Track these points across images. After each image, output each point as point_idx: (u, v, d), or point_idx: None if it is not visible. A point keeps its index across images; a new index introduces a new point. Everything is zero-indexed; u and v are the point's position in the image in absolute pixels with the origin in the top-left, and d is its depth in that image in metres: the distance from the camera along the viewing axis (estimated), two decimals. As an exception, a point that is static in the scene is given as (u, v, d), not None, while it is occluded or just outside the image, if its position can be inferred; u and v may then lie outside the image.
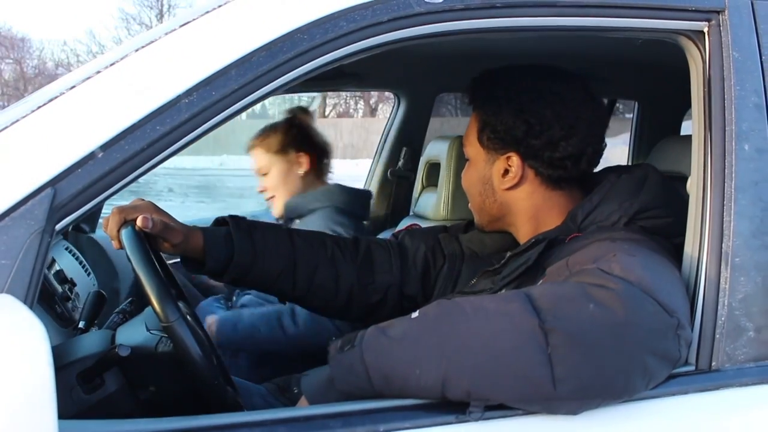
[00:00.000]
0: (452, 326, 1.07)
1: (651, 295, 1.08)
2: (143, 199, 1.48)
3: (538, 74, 1.43)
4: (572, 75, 1.44)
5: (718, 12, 1.23)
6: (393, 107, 3.16)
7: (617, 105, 3.24)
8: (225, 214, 1.57)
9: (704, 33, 1.24)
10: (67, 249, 2.63)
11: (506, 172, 1.43)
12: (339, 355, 1.12)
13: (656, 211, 1.33)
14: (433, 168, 2.82)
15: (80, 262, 2.66)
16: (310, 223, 2.21)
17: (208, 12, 1.11)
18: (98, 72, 1.06)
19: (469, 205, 1.54)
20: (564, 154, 1.39)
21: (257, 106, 1.14)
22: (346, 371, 1.11)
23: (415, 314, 1.12)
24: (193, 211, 10.69)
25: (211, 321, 2.06)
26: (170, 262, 1.57)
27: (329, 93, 17.86)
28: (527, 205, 1.44)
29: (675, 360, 1.13)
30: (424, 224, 2.38)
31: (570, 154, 1.39)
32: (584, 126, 1.39)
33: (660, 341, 1.09)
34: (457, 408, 1.05)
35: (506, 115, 1.40)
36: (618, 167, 1.47)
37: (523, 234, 1.46)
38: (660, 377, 1.12)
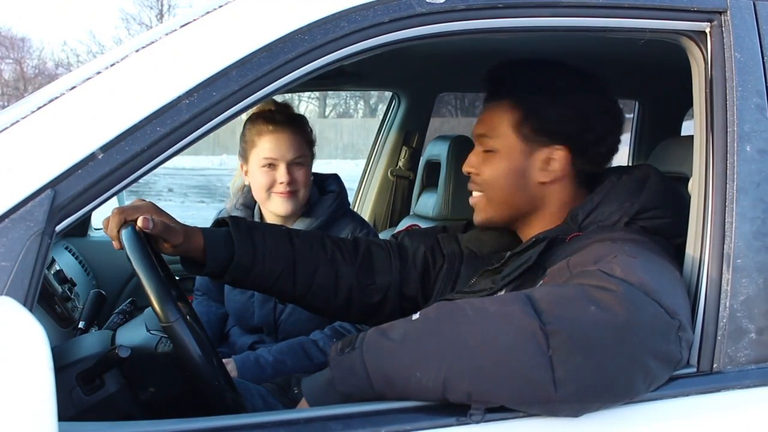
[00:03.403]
0: (453, 328, 1.06)
1: (652, 296, 1.08)
2: (144, 200, 1.48)
3: (576, 70, 1.44)
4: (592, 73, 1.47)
5: (720, 12, 1.23)
6: (391, 106, 3.16)
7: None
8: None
9: (706, 33, 1.24)
10: (67, 248, 2.63)
11: (546, 164, 1.42)
12: (339, 357, 1.12)
13: (657, 211, 1.33)
14: (433, 168, 2.82)
15: (80, 262, 2.66)
16: None
17: (208, 12, 1.10)
18: (98, 72, 1.06)
19: (483, 198, 1.48)
20: (606, 149, 1.43)
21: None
22: (346, 373, 1.10)
23: (415, 316, 1.12)
24: (192, 210, 10.70)
25: (230, 366, 1.90)
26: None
27: (329, 93, 17.86)
28: (556, 200, 1.43)
29: (676, 362, 1.13)
30: (424, 224, 2.38)
31: (609, 149, 1.44)
32: (619, 122, 1.45)
33: (661, 343, 1.08)
34: (458, 410, 1.05)
35: (562, 108, 1.40)
36: (619, 168, 1.48)
37: (536, 231, 1.44)
38: (661, 379, 1.12)
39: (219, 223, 1.57)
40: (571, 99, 1.41)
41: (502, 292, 1.29)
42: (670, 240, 1.31)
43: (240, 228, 1.50)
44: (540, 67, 1.45)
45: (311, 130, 2.18)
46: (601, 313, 1.03)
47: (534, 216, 1.45)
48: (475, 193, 1.50)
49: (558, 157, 1.41)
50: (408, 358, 1.06)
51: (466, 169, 1.49)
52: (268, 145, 2.06)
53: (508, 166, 1.43)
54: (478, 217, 1.51)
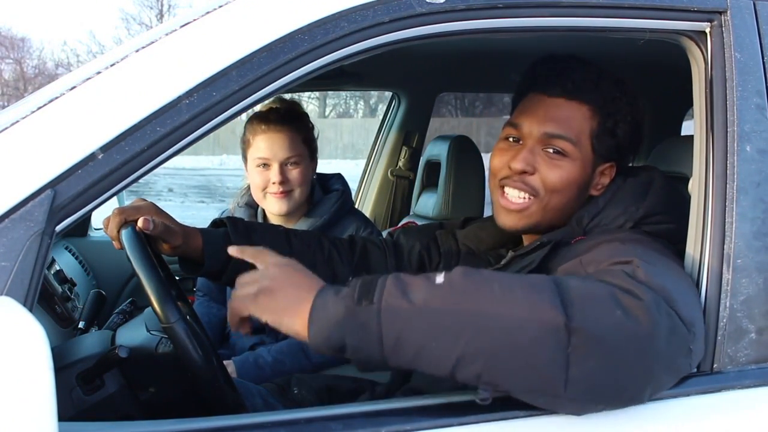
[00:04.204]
0: (477, 305, 1.00)
1: (672, 305, 1.05)
2: (144, 199, 1.48)
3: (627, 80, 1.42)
4: None
5: (720, 12, 1.23)
6: (391, 106, 3.16)
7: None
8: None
9: (706, 33, 1.24)
10: (67, 248, 2.63)
11: (598, 178, 1.39)
12: (356, 308, 1.02)
13: (661, 216, 1.32)
14: (433, 168, 2.83)
15: (80, 262, 2.66)
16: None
17: (208, 12, 1.11)
18: (98, 72, 1.06)
19: (535, 203, 1.37)
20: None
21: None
22: (359, 327, 1.01)
23: (439, 279, 1.04)
24: (192, 210, 10.70)
25: (230, 368, 1.90)
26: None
27: (329, 93, 17.86)
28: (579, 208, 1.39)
29: (684, 373, 1.12)
30: (422, 223, 2.38)
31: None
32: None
33: (675, 357, 1.07)
34: (458, 410, 1.05)
35: (631, 127, 1.39)
36: (622, 168, 1.46)
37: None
38: (665, 388, 1.11)
39: (217, 223, 1.57)
40: (638, 119, 1.40)
41: (532, 276, 1.25)
42: (675, 244, 1.29)
43: (238, 228, 1.50)
44: (614, 77, 1.40)
45: (312, 127, 2.17)
46: (626, 320, 1.00)
47: (563, 224, 1.39)
48: (520, 194, 1.37)
49: (609, 173, 1.40)
50: (426, 326, 1.00)
51: (519, 166, 1.35)
52: (261, 144, 2.06)
53: (577, 175, 1.36)
54: (520, 222, 1.39)
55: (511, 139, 1.40)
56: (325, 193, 2.19)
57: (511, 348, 1.00)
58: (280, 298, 1.06)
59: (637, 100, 1.41)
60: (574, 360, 0.98)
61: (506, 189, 1.39)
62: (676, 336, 1.06)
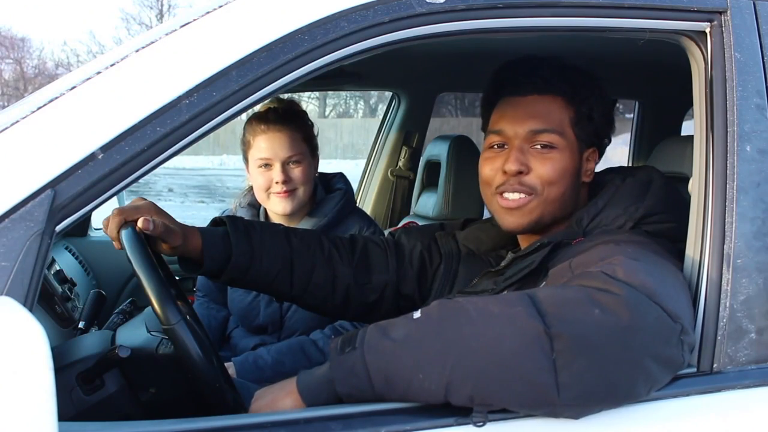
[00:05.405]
0: (456, 330, 1.05)
1: (654, 300, 1.07)
2: (144, 199, 1.48)
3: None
4: None
5: (720, 12, 1.23)
6: (391, 106, 3.16)
7: (617, 105, 3.24)
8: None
9: (706, 33, 1.24)
10: (67, 248, 2.63)
11: (585, 164, 1.43)
12: (340, 357, 1.10)
13: (661, 216, 1.33)
14: (433, 168, 2.83)
15: (80, 262, 2.66)
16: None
17: (208, 12, 1.11)
18: (98, 72, 1.06)
19: (535, 199, 1.38)
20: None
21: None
22: (347, 374, 1.08)
23: (417, 314, 1.10)
24: (192, 210, 10.70)
25: (230, 370, 1.89)
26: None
27: (329, 93, 17.86)
28: (577, 203, 1.43)
29: (678, 365, 1.13)
30: (423, 223, 2.38)
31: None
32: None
33: (663, 347, 1.08)
34: (458, 411, 1.05)
35: (604, 110, 1.44)
36: (621, 169, 1.48)
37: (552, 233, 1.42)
38: (662, 383, 1.12)
39: (217, 222, 1.57)
40: (608, 102, 1.45)
41: (505, 294, 1.28)
42: (675, 243, 1.30)
43: (237, 228, 1.50)
44: (576, 67, 1.45)
45: (311, 125, 2.17)
46: (605, 317, 1.02)
47: (565, 218, 1.41)
48: (518, 195, 1.39)
49: (593, 158, 1.44)
50: (410, 360, 1.05)
51: (514, 167, 1.37)
52: (262, 144, 2.06)
53: (569, 164, 1.39)
54: (524, 219, 1.39)
55: (496, 147, 1.43)
56: (327, 192, 2.18)
57: (497, 364, 1.02)
58: (269, 392, 1.21)
59: (601, 85, 1.46)
60: (561, 365, 1.00)
61: (505, 194, 1.41)
62: (660, 327, 1.07)
